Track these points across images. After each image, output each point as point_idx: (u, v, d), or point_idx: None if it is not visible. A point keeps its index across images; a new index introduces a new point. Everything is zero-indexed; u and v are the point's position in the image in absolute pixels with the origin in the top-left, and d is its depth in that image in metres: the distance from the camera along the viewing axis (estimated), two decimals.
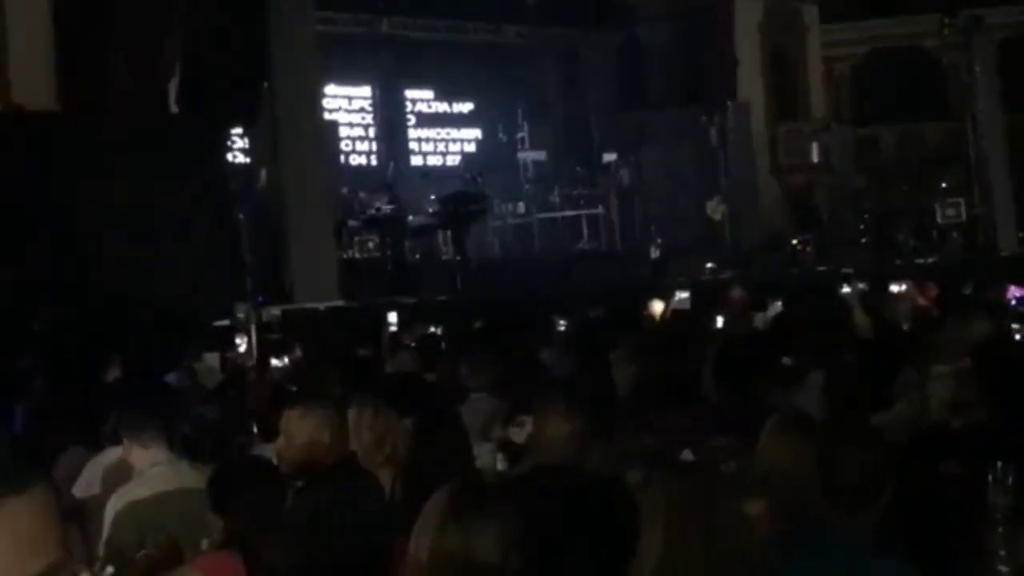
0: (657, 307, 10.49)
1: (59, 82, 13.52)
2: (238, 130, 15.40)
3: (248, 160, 15.86)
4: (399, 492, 4.61)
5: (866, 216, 21.05)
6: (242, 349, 9.81)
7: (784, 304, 10.31)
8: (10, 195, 11.68)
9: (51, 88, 13.49)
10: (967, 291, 10.98)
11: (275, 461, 4.26)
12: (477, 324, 10.85)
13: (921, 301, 9.68)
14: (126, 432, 4.73)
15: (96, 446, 5.60)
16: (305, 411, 4.27)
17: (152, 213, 12.53)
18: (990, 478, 3.25)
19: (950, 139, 22.19)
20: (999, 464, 3.27)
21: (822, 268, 18.19)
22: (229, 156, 15.06)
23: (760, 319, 9.54)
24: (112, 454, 5.19)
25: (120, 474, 4.95)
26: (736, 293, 11.48)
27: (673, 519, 2.74)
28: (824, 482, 3.16)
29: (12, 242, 11.61)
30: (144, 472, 4.62)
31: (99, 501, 4.79)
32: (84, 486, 5.26)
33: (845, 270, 11.19)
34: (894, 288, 10.80)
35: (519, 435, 5.17)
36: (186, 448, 5.23)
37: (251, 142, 15.76)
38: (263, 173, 15.69)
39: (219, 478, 3.69)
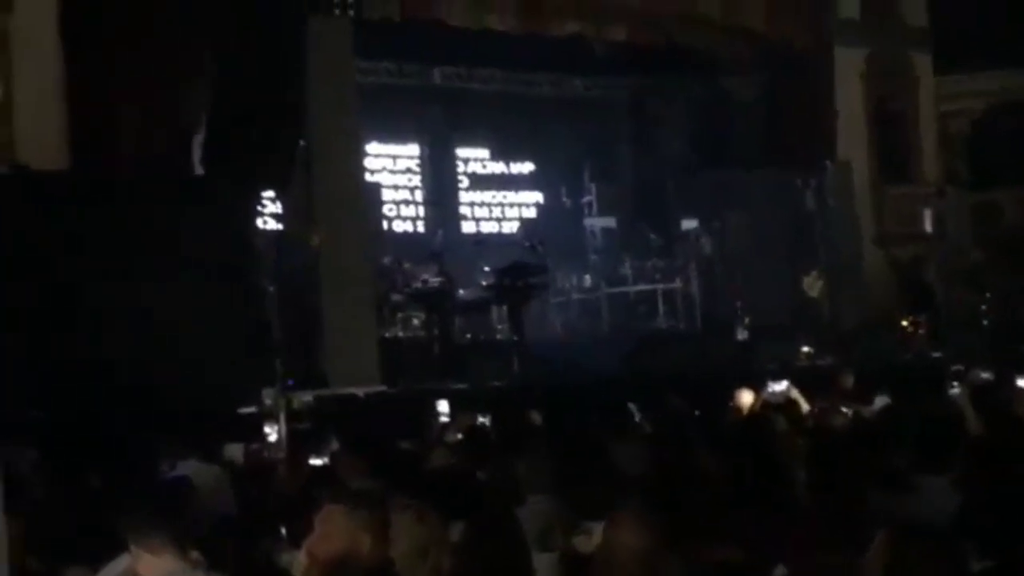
0: (747, 398, 10.42)
1: (69, 139, 13.84)
2: (269, 193, 15.60)
3: (280, 226, 16.05)
4: None
5: (987, 295, 20.79)
6: (272, 439, 9.87)
7: (892, 395, 10.20)
8: (10, 263, 11.89)
9: (61, 145, 13.81)
10: None
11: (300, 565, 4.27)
12: (535, 415, 10.82)
13: None
14: (133, 537, 4.73)
15: (101, 557, 5.63)
16: (338, 512, 4.27)
17: (170, 285, 12.69)
18: None
19: None
20: None
21: (936, 355, 17.96)
22: (259, 222, 15.26)
23: (865, 413, 9.44)
24: (121, 563, 5.21)
25: None
26: (848, 381, 11.37)
27: None
28: None
29: (11, 316, 11.80)
30: None
31: None
32: None
33: (955, 366, 11.03)
34: (1022, 382, 10.63)
35: (585, 545, 5.15)
36: (204, 554, 5.25)
37: (284, 206, 15.95)
38: (297, 241, 15.86)
39: None
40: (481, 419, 10.76)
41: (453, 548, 4.88)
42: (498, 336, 18.42)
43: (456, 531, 5.54)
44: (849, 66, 22.10)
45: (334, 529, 4.26)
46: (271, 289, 14.06)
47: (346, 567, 4.15)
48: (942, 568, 3.21)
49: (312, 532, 4.34)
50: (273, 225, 15.82)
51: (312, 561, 4.26)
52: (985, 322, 20.31)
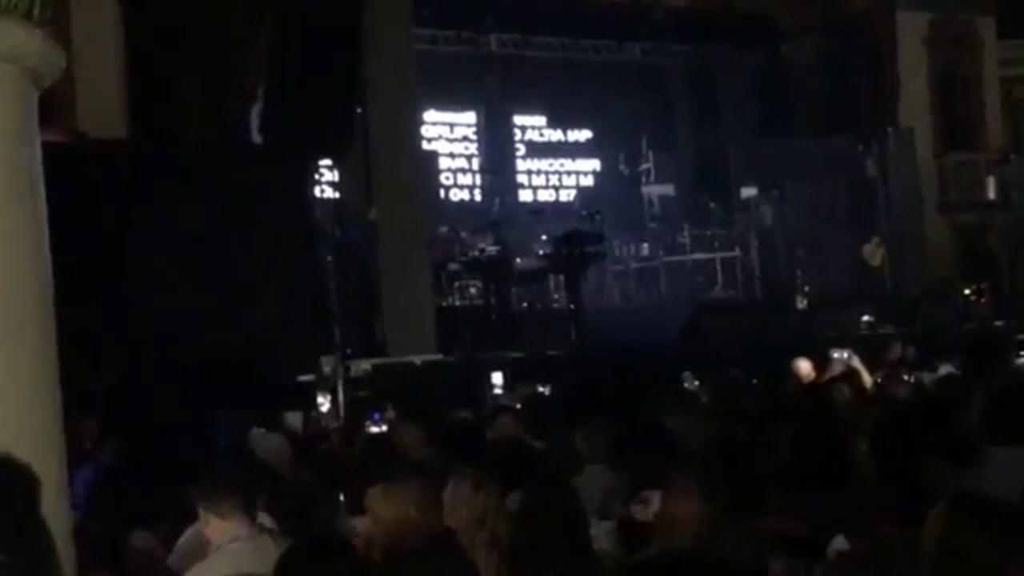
0: (805, 367, 10.34)
1: (130, 109, 13.94)
2: (327, 161, 15.65)
3: (337, 195, 16.11)
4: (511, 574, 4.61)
5: None
6: (325, 408, 9.93)
7: (956, 365, 10.08)
8: (71, 232, 12.00)
9: (121, 116, 13.91)
10: None
11: (361, 538, 4.29)
12: (593, 383, 10.81)
13: None
14: (202, 502, 4.81)
15: (172, 520, 5.71)
16: (388, 487, 4.29)
17: (229, 254, 12.77)
18: None
19: None
20: None
21: (999, 323, 17.74)
22: (316, 190, 15.32)
23: (927, 382, 9.34)
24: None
25: (195, 549, 5.04)
26: (896, 351, 11.27)
27: None
28: None
29: (72, 286, 11.92)
30: (222, 547, 4.69)
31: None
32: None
33: (1022, 335, 10.90)
34: None
35: (643, 513, 5.13)
36: (274, 518, 5.33)
37: (341, 175, 16.01)
38: (354, 209, 15.91)
39: (289, 562, 3.71)
40: (540, 388, 10.76)
41: (510, 517, 4.89)
42: (555, 305, 18.42)
43: (514, 500, 5.56)
44: (912, 31, 21.81)
45: (379, 508, 4.27)
46: (329, 258, 14.11)
47: (407, 536, 4.17)
48: (997, 541, 3.16)
49: (371, 501, 4.36)
50: (331, 194, 15.88)
51: (375, 531, 4.28)
52: None
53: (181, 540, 5.42)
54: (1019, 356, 10.39)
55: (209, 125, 14.23)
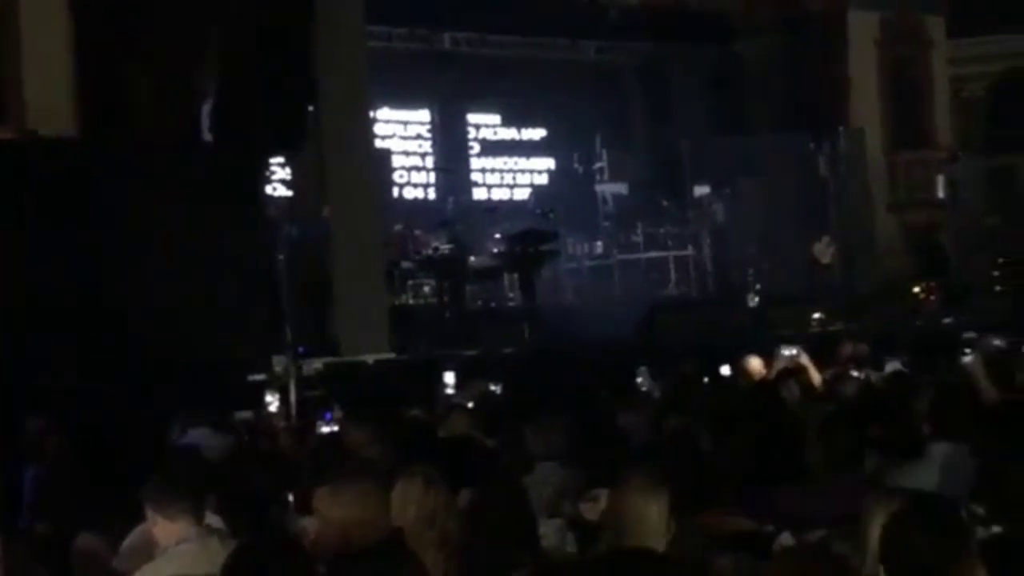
0: (756, 364, 10.40)
1: (80, 107, 13.82)
2: (279, 159, 15.59)
3: (289, 193, 16.05)
4: (462, 573, 4.61)
5: (1000, 261, 20.71)
6: (274, 408, 9.88)
7: (904, 363, 10.17)
8: (18, 229, 11.90)
9: (71, 114, 13.79)
10: None
11: (310, 539, 4.28)
12: (546, 382, 10.82)
13: None
14: (149, 503, 4.78)
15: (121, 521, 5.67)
16: (335, 487, 4.28)
17: (179, 253, 12.69)
18: None
19: None
20: None
21: (948, 321, 17.91)
22: (268, 189, 15.25)
23: (876, 379, 9.42)
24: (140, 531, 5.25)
25: (142, 550, 5.01)
26: (847, 349, 11.35)
27: None
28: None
29: (21, 284, 11.83)
30: (169, 549, 4.66)
31: None
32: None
33: (968, 334, 11.01)
34: None
35: (592, 511, 5.15)
36: (223, 518, 5.31)
37: (293, 173, 15.96)
38: (307, 208, 15.85)
39: (235, 564, 3.68)
40: (493, 386, 10.75)
41: (460, 515, 4.89)
42: (509, 303, 18.44)
43: (466, 498, 5.56)
44: (863, 30, 21.98)
45: (327, 509, 4.26)
46: (281, 257, 14.05)
47: (355, 536, 4.16)
48: (938, 535, 3.20)
49: (318, 501, 4.35)
50: (283, 192, 15.82)
51: (322, 531, 4.27)
52: (998, 288, 20.24)
53: (127, 541, 5.39)
54: (967, 353, 10.46)
55: (160, 123, 14.10)
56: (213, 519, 5.23)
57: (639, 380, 10.27)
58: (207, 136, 14.35)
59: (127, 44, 14.02)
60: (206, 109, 14.49)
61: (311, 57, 14.58)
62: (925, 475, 5.13)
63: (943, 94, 22.88)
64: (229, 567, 3.66)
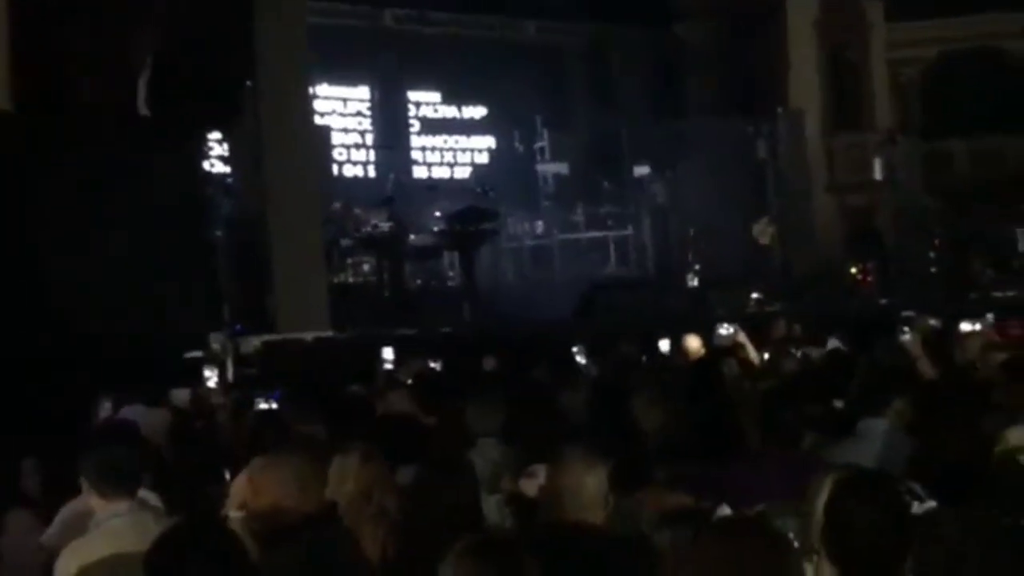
0: (694, 343, 10.45)
1: (16, 81, 13.57)
2: (216, 135, 15.44)
3: (227, 169, 15.91)
4: (391, 551, 4.58)
5: (936, 243, 20.93)
6: (212, 384, 9.79)
7: (841, 341, 10.26)
8: None
9: (8, 87, 13.54)
10: None
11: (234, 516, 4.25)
12: (486, 360, 10.82)
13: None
14: (85, 476, 4.73)
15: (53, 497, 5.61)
16: (269, 461, 4.24)
17: (115, 228, 12.53)
18: None
19: None
20: None
21: (884, 301, 18.09)
22: (205, 164, 15.09)
23: (814, 358, 9.49)
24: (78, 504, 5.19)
25: (74, 526, 4.95)
26: (781, 328, 11.44)
27: None
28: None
29: None
30: (101, 523, 4.61)
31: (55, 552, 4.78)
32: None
33: (906, 312, 11.15)
34: (966, 327, 10.73)
35: (531, 487, 5.14)
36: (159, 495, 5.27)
37: (231, 149, 15.81)
38: (245, 184, 15.73)
39: (162, 543, 3.60)
40: (433, 364, 10.75)
41: (406, 490, 4.88)
42: (449, 282, 18.41)
43: (405, 474, 5.54)
44: (802, 14, 22.09)
45: (259, 484, 4.22)
46: (218, 233, 13.93)
47: (288, 510, 4.11)
48: (879, 510, 3.22)
49: (252, 475, 4.31)
50: (221, 168, 15.68)
51: (255, 504, 4.22)
52: (934, 269, 20.47)
53: (58, 517, 5.32)
54: (905, 332, 10.58)
55: (97, 97, 13.90)
56: (149, 496, 5.18)
57: (577, 359, 10.29)
58: (144, 110, 14.16)
59: (64, 18, 13.79)
60: (143, 83, 14.30)
61: (250, 32, 14.43)
62: (862, 451, 5.16)
63: (881, 77, 23.05)
64: (155, 547, 3.58)
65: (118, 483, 4.67)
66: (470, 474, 4.84)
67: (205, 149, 14.83)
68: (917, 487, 4.29)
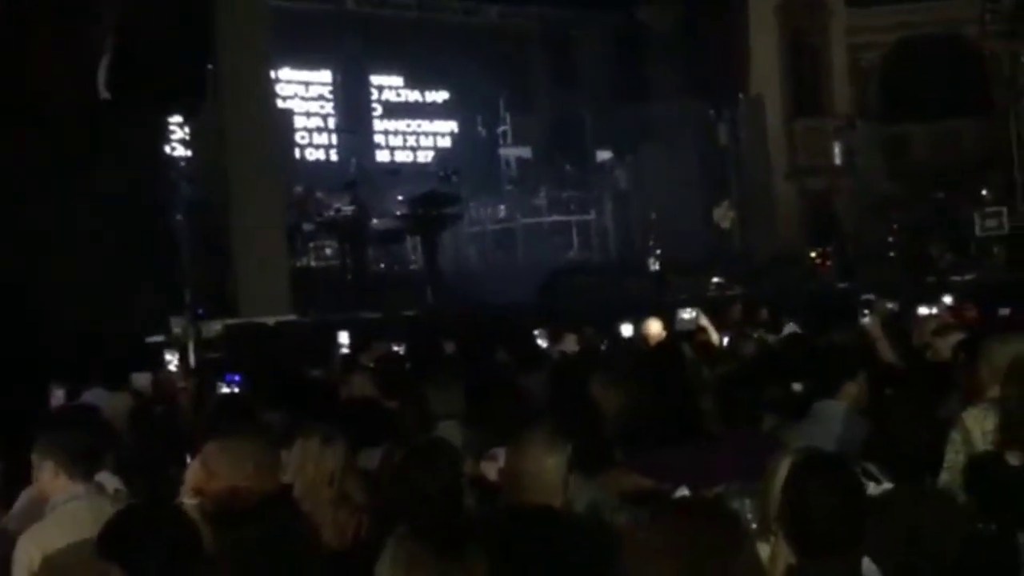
0: (655, 327, 10.48)
1: None
2: (177, 118, 15.32)
3: (188, 153, 15.80)
4: (354, 535, 4.58)
5: (894, 227, 21.08)
6: (173, 368, 9.75)
7: (799, 324, 10.32)
8: None
9: None
10: (1008, 313, 11.01)
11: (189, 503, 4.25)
12: (448, 344, 10.82)
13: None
14: (42, 457, 4.69)
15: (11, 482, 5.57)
16: (226, 442, 4.23)
17: (76, 213, 12.44)
18: None
19: (991, 140, 22.24)
20: None
21: (843, 285, 18.21)
22: (167, 148, 14.99)
23: (773, 341, 9.55)
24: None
25: (33, 510, 4.91)
26: (736, 312, 11.50)
27: (685, 566, 2.70)
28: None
29: None
30: (58, 506, 4.58)
31: (11, 538, 4.75)
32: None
33: (866, 296, 11.24)
34: (923, 310, 10.83)
35: (491, 470, 5.14)
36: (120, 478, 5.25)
37: (192, 132, 15.69)
38: (207, 168, 15.63)
39: (113, 525, 3.59)
40: (395, 348, 10.74)
41: (382, 474, 4.88)
42: (412, 266, 18.38)
43: (367, 458, 5.54)
44: (764, 1, 22.14)
45: (214, 466, 4.21)
46: (180, 217, 13.85)
47: (243, 493, 4.10)
48: (836, 491, 3.26)
49: (208, 456, 4.30)
50: (182, 151, 15.56)
51: (210, 486, 4.21)
52: (892, 253, 20.62)
53: (19, 502, 5.29)
54: (865, 315, 10.66)
55: (57, 79, 13.77)
56: (110, 480, 5.15)
57: (539, 342, 10.31)
58: (105, 93, 14.04)
59: (24, 1, 13.66)
60: (104, 66, 14.18)
61: (212, 15, 14.33)
62: (820, 433, 5.20)
63: (841, 63, 23.15)
64: (106, 531, 3.56)
65: (75, 465, 4.64)
66: (451, 458, 4.79)
67: (166, 133, 14.72)
68: (873, 468, 4.33)
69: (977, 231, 20.42)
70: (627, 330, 11.09)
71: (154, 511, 3.72)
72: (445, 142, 22.85)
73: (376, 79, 22.17)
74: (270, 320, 13.53)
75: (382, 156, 22.10)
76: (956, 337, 6.93)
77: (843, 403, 5.55)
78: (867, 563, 3.34)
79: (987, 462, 4.41)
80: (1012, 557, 3.90)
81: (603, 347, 10.44)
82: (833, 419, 5.43)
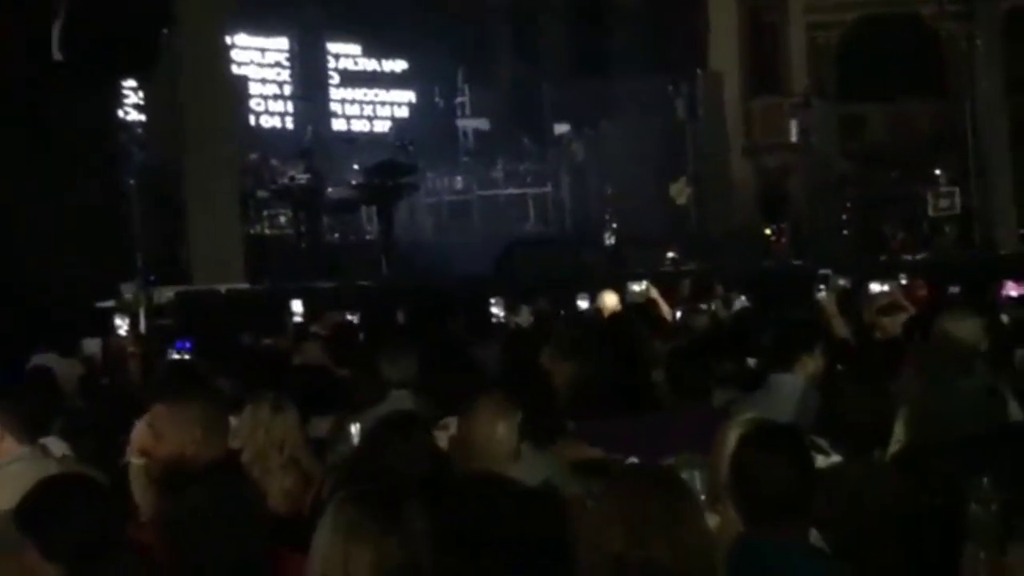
0: (610, 300, 10.50)
1: None
2: (131, 82, 15.17)
3: (142, 117, 15.66)
4: (304, 502, 4.57)
5: (849, 205, 21.22)
6: (123, 332, 9.67)
7: (750, 299, 10.38)
8: None
9: None
10: (957, 291, 11.12)
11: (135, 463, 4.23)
12: (401, 313, 10.80)
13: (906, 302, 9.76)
14: None
15: None
16: (173, 405, 4.20)
17: (26, 175, 12.30)
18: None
19: (946, 121, 22.37)
20: (984, 480, 3.32)
21: (798, 262, 18.32)
22: (120, 112, 14.84)
23: (724, 315, 9.60)
24: None
25: None
26: (686, 288, 11.55)
27: (634, 534, 2.71)
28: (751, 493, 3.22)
29: None
30: (1, 467, 4.55)
31: None
32: None
33: (823, 271, 11.32)
34: (875, 287, 10.90)
35: (442, 439, 5.14)
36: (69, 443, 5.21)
37: (146, 96, 15.55)
38: (160, 133, 15.51)
39: (35, 496, 3.47)
40: (350, 317, 10.72)
41: (306, 440, 4.87)
42: (367, 236, 18.33)
43: (317, 426, 5.52)
44: None
45: (163, 428, 4.17)
46: (132, 182, 13.72)
47: (189, 457, 4.07)
48: (784, 461, 3.28)
49: (155, 419, 4.26)
50: (136, 116, 15.43)
51: (156, 450, 4.17)
52: (846, 231, 20.78)
53: None
54: (821, 290, 10.75)
55: (8, 40, 13.58)
56: (59, 444, 5.12)
57: (495, 311, 10.31)
58: (58, 55, 13.86)
59: None
60: (57, 28, 13.99)
61: None
62: (773, 406, 5.21)
63: (799, 41, 23.18)
64: (24, 502, 3.45)
65: (17, 425, 4.61)
66: (421, 430, 4.74)
67: (120, 97, 14.57)
68: (823, 442, 4.37)
69: (930, 211, 20.62)
70: (583, 303, 11.11)
71: (78, 484, 3.61)
72: (402, 112, 22.75)
73: (333, 47, 22.03)
74: (222, 288, 13.45)
75: (338, 125, 21.97)
76: (902, 316, 6.99)
77: (800, 377, 5.55)
78: (814, 533, 3.36)
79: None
80: (958, 530, 3.94)
81: (558, 319, 10.43)
82: (790, 393, 5.45)
